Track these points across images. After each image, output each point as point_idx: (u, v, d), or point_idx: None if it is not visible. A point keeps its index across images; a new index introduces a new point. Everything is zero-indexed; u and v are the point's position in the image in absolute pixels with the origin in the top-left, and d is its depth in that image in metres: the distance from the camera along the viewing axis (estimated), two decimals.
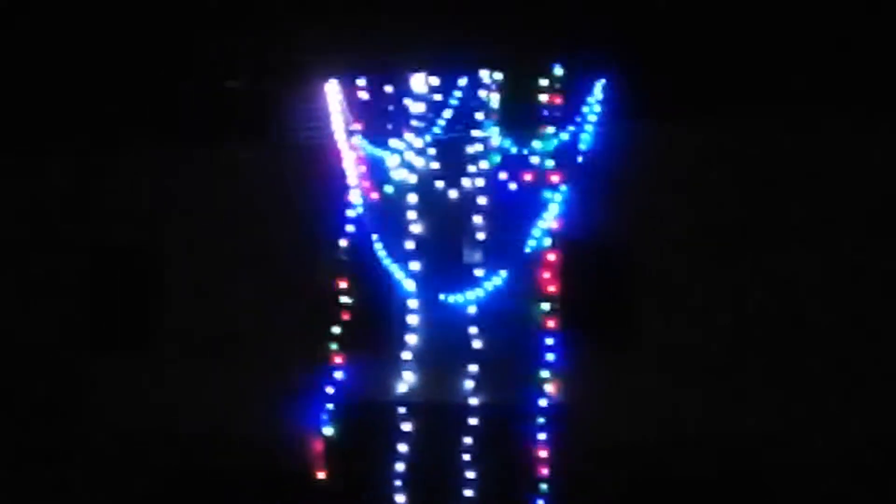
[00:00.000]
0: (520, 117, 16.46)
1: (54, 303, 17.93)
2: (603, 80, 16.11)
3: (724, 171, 15.75)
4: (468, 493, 15.51)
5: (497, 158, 16.34)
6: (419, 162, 16.65)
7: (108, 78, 17.40)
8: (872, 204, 15.00)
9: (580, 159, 16.05)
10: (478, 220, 16.19)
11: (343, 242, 16.71)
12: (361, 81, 16.91)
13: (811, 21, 15.80)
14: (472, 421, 15.80)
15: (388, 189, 16.67)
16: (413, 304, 16.38)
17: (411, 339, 16.26)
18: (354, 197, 16.78)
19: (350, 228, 16.80)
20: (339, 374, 16.45)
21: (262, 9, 16.73)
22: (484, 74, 16.37)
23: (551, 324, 15.80)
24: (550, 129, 16.15)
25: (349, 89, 17.07)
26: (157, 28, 17.01)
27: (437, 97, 16.71)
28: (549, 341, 15.80)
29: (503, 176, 16.31)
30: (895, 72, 15.21)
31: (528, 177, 16.15)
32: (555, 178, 15.96)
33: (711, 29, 15.96)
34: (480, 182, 16.30)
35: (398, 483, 15.85)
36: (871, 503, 14.64)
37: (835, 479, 14.92)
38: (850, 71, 15.26)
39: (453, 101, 16.58)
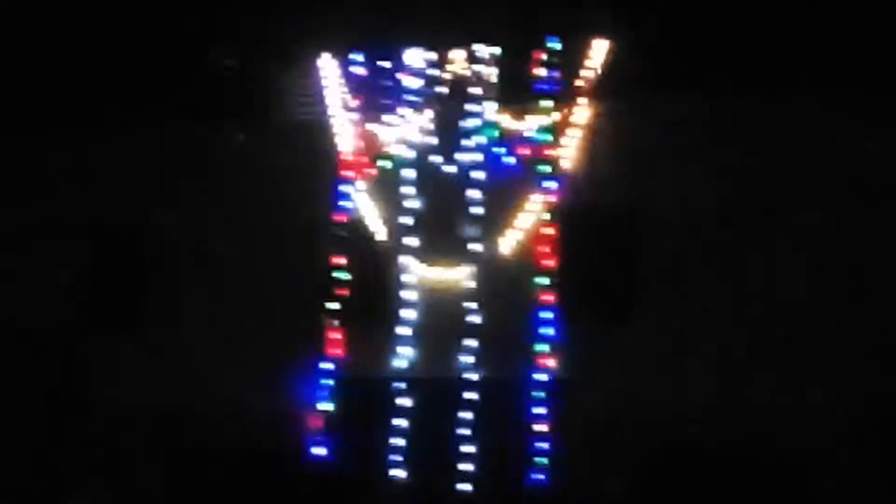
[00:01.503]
0: (517, 91, 16.32)
1: (52, 285, 17.75)
2: (602, 52, 15.94)
3: (731, 144, 15.60)
4: (467, 467, 15.36)
5: (494, 133, 16.29)
6: (415, 137, 16.56)
7: (101, 60, 17.24)
8: (880, 181, 14.98)
9: (578, 133, 15.91)
10: (474, 194, 16.10)
11: (340, 218, 16.60)
12: (356, 56, 16.76)
13: None
14: (470, 396, 15.65)
15: (384, 164, 16.59)
16: (410, 279, 16.28)
17: (409, 314, 16.16)
18: (351, 173, 16.69)
19: (346, 204, 16.68)
20: (336, 350, 16.32)
21: None
22: (480, 48, 16.27)
23: (549, 298, 15.66)
24: (548, 103, 16.07)
25: (344, 64, 16.95)
26: (147, 8, 16.79)
27: (433, 72, 16.60)
28: (548, 315, 15.64)
29: (500, 150, 16.23)
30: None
31: (525, 151, 16.07)
32: (552, 152, 15.89)
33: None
34: (477, 157, 16.23)
35: (396, 458, 15.74)
36: (873, 475, 14.57)
37: (835, 451, 14.76)
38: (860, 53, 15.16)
39: (449, 76, 16.49)
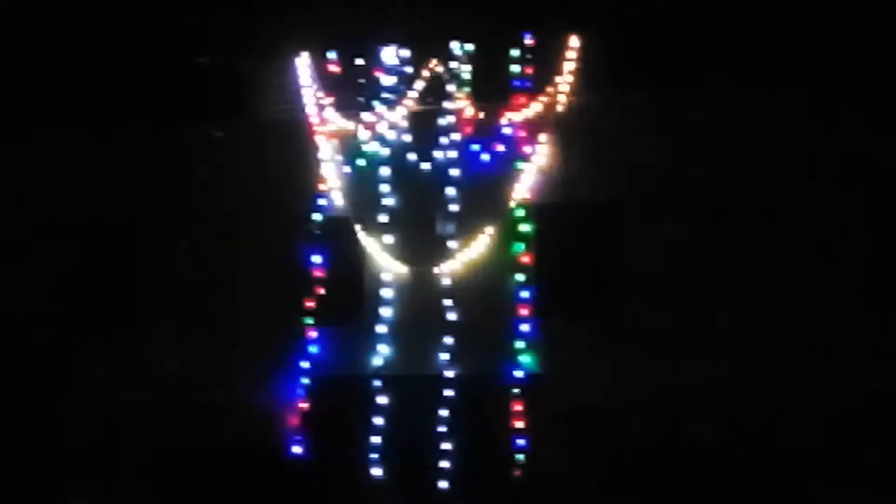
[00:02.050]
0: (492, 87, 16.29)
1: (47, 283, 17.64)
2: (576, 48, 15.95)
3: (702, 140, 15.61)
4: (445, 464, 15.40)
5: (469, 130, 16.27)
6: (391, 135, 16.58)
7: (94, 65, 17.34)
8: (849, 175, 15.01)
9: (552, 129, 15.95)
10: (451, 191, 16.08)
11: (317, 216, 16.60)
12: (332, 55, 16.77)
13: None
14: (448, 392, 15.65)
15: (361, 162, 16.58)
16: (387, 277, 16.28)
17: (386, 311, 16.16)
18: (327, 170, 16.63)
19: (323, 202, 16.68)
20: (313, 348, 16.32)
21: None
22: (455, 46, 16.29)
23: (526, 294, 15.68)
24: (523, 99, 16.05)
25: (320, 63, 16.95)
26: (131, 16, 16.94)
27: (409, 69, 16.63)
28: (524, 312, 15.65)
29: (475, 147, 16.22)
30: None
31: (500, 147, 16.04)
32: (527, 149, 15.91)
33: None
34: (453, 154, 16.20)
35: (374, 456, 15.75)
36: (849, 464, 14.59)
37: (807, 442, 14.78)
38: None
39: (424, 74, 16.46)
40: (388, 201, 16.38)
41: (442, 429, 15.63)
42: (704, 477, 14.99)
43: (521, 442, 15.37)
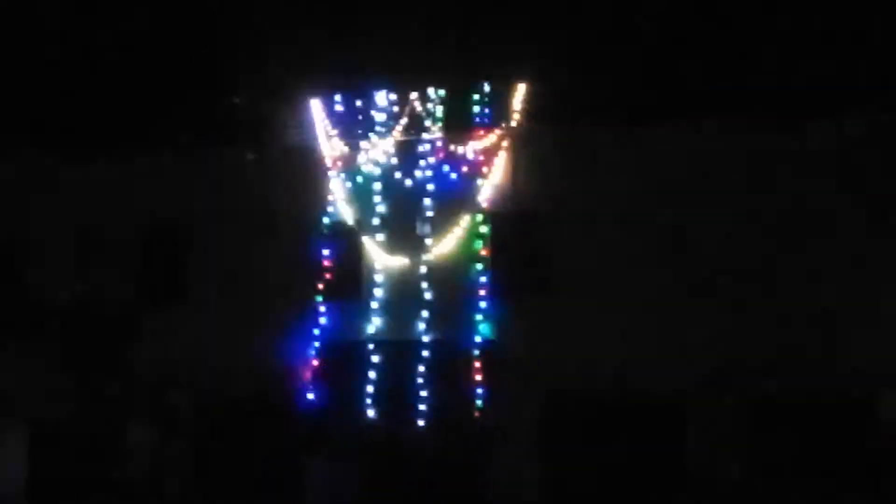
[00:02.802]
0: (459, 123, 19.05)
1: (118, 269, 20.39)
2: (523, 92, 18.81)
3: (617, 164, 18.30)
4: (422, 408, 18.39)
5: (441, 155, 19.11)
6: (382, 158, 19.43)
7: (151, 99, 20.19)
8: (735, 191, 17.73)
9: (504, 154, 18.80)
10: (427, 202, 19.00)
11: (325, 220, 19.47)
12: (337, 97, 19.61)
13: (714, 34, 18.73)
14: (425, 353, 18.63)
15: (359, 179, 19.43)
16: (378, 265, 19.20)
17: (378, 292, 19.12)
18: (334, 185, 19.50)
19: (331, 210, 19.49)
20: (323, 320, 19.24)
21: (262, 46, 19.71)
22: (430, 91, 19.17)
23: (484, 279, 18.62)
24: (482, 132, 18.92)
25: (328, 104, 19.74)
26: (182, 62, 19.95)
27: (395, 109, 19.40)
28: (483, 293, 18.59)
29: (446, 168, 19.08)
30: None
31: (465, 168, 18.96)
32: (485, 170, 18.81)
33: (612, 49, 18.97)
34: (429, 173, 19.10)
35: (369, 401, 18.69)
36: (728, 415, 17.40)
37: (698, 393, 17.40)
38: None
39: (407, 112, 19.20)
40: (380, 209, 19.32)
41: (420, 381, 18.58)
42: (611, 420, 17.94)
43: (480, 392, 18.29)
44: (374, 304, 19.16)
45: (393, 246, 19.33)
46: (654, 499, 17.82)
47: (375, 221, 19.34)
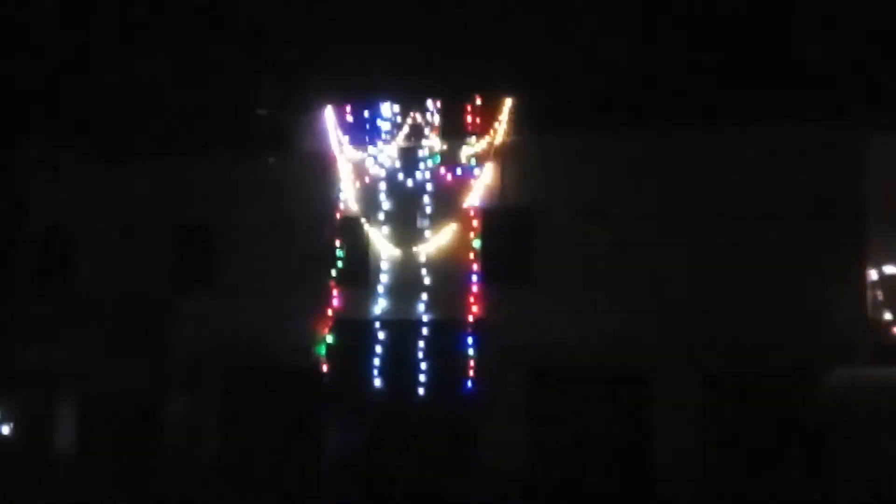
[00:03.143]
0: (454, 131, 20.70)
1: (156, 260, 22.49)
2: (509, 105, 20.52)
3: (592, 167, 19.98)
4: (422, 378, 20.15)
5: (438, 159, 20.82)
6: (387, 161, 21.17)
7: (186, 110, 22.19)
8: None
9: (493, 158, 20.48)
10: (426, 199, 20.80)
11: (337, 215, 21.26)
12: (348, 109, 21.38)
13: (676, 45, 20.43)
14: (424, 331, 20.42)
15: (366, 179, 21.20)
16: (384, 254, 21.00)
17: (384, 277, 20.95)
18: (344, 185, 21.28)
19: (342, 206, 21.25)
20: (335, 302, 21.05)
21: (283, 65, 21.78)
22: (429, 104, 20.93)
23: (476, 267, 20.40)
24: (473, 139, 20.59)
25: (340, 115, 21.50)
26: (214, 78, 22.08)
27: (398, 119, 21.07)
28: (474, 279, 20.38)
29: (442, 170, 20.76)
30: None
31: (458, 171, 20.69)
32: (477, 171, 20.54)
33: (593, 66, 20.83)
34: (427, 175, 20.87)
35: (376, 373, 20.47)
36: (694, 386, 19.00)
37: (666, 367, 18.90)
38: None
39: (409, 121, 20.90)
40: (385, 205, 21.08)
41: (420, 355, 20.27)
42: (585, 390, 19.61)
43: (472, 365, 19.96)
44: (380, 289, 20.95)
45: (396, 238, 21.06)
46: (624, 459, 19.51)
47: (381, 216, 21.15)
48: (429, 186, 20.97)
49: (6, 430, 22.50)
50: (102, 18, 23.27)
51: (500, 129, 20.66)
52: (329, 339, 21.04)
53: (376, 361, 20.68)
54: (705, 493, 18.86)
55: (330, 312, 21.19)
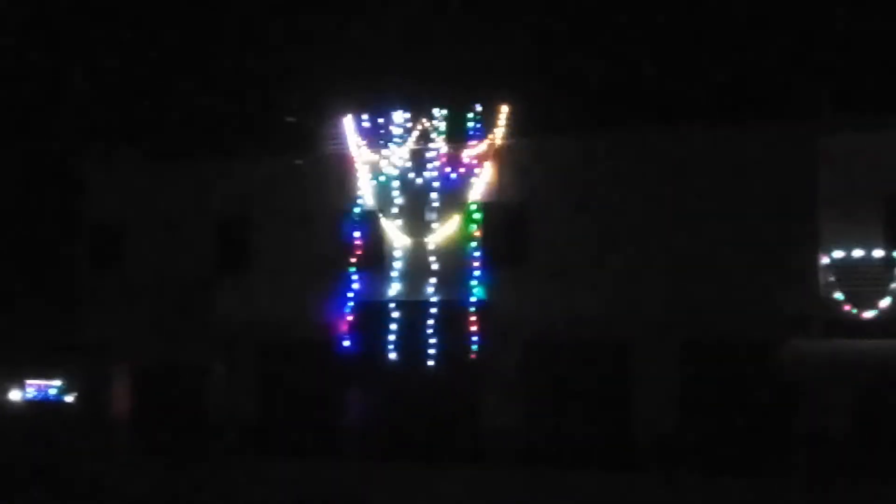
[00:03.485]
0: (457, 135, 22.73)
1: (199, 247, 24.71)
2: (506, 112, 22.61)
3: (580, 165, 21.98)
4: (431, 352, 22.29)
5: (444, 159, 22.93)
6: (400, 162, 23.30)
7: (223, 116, 24.86)
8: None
9: (493, 159, 22.54)
10: (433, 195, 22.88)
11: (356, 209, 23.42)
12: (365, 116, 23.48)
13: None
14: (433, 311, 22.52)
15: (382, 178, 23.38)
16: (397, 243, 23.15)
17: (396, 263, 23.10)
18: (362, 183, 23.44)
19: (360, 201, 23.41)
20: (355, 285, 23.27)
21: (308, 78, 24.36)
22: (436, 111, 22.99)
23: (478, 253, 22.50)
24: (475, 142, 22.70)
25: (358, 121, 23.59)
26: (248, 91, 24.68)
27: (409, 125, 23.16)
28: (477, 264, 22.47)
29: (448, 169, 22.85)
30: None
31: (462, 169, 22.76)
32: (478, 171, 22.61)
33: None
34: (434, 173, 22.97)
35: (391, 347, 22.61)
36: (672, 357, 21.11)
37: (644, 339, 21.08)
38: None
39: (418, 126, 22.98)
40: (398, 200, 23.13)
41: (429, 332, 22.33)
42: (575, 361, 21.67)
43: (474, 340, 22.04)
44: (394, 273, 22.99)
45: (408, 229, 23.06)
46: (608, 418, 21.71)
47: (394, 210, 23.14)
48: (436, 184, 22.88)
49: (70, 398, 24.90)
50: (160, 43, 26.09)
51: (499, 132, 22.62)
52: (349, 317, 23.04)
53: (391, 337, 22.63)
54: (679, 445, 21.01)
55: (350, 294, 23.19)
